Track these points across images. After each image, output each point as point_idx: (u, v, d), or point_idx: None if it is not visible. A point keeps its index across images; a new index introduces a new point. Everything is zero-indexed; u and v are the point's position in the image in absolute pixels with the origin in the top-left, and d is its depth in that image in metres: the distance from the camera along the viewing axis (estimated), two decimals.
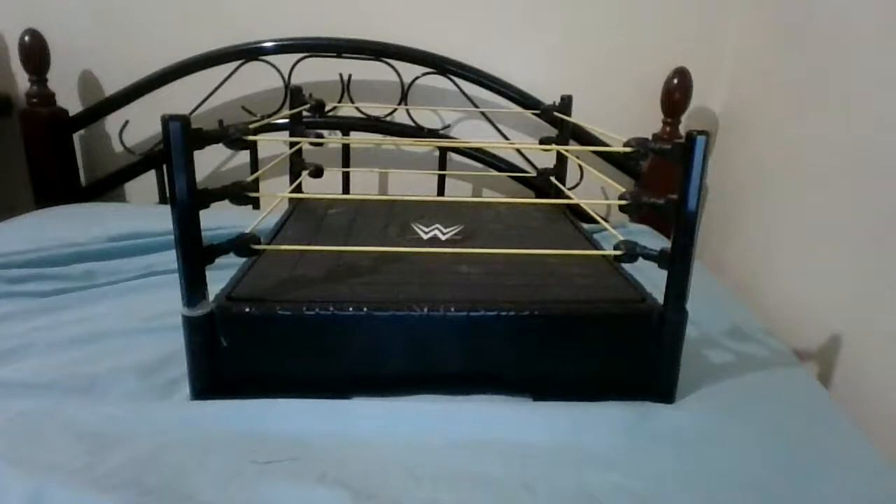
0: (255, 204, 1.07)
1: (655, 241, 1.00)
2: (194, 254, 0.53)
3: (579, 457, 0.53)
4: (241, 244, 0.57)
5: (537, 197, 1.19)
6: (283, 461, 0.50)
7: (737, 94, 1.18)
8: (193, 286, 0.54)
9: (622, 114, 1.19)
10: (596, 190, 1.25)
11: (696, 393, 0.62)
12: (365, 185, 1.27)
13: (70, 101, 1.22)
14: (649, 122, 1.17)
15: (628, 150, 0.59)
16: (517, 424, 0.57)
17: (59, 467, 0.48)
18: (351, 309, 0.57)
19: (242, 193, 0.56)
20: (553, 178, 1.02)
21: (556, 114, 1.01)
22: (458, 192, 1.29)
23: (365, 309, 0.57)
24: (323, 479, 0.48)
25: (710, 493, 0.50)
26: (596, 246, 0.79)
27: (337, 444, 0.53)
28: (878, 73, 0.80)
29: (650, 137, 1.15)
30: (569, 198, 0.87)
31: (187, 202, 0.51)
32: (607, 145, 1.14)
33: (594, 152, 1.15)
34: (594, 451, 0.54)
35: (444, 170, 1.22)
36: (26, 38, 1.13)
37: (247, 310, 0.57)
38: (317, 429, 0.54)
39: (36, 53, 1.15)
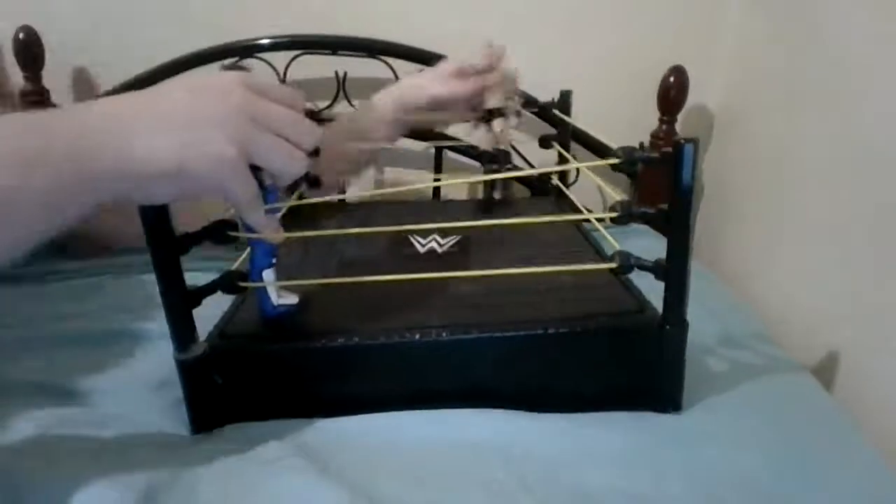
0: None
1: (655, 241, 0.98)
2: (180, 300, 0.53)
3: (579, 458, 0.53)
4: (228, 282, 0.56)
5: (534, 197, 1.17)
6: (284, 461, 0.50)
7: (734, 92, 1.15)
8: (182, 331, 0.54)
9: (619, 111, 1.16)
10: (592, 189, 1.23)
11: (698, 398, 0.61)
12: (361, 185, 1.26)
13: (65, 99, 1.20)
14: (646, 120, 1.14)
15: (615, 161, 0.57)
16: (518, 426, 0.57)
17: (60, 467, 0.48)
18: (341, 340, 0.57)
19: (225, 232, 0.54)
20: (554, 179, 1.00)
21: (554, 112, 0.99)
22: (454, 191, 1.27)
23: (356, 339, 0.57)
24: (324, 479, 0.48)
25: (710, 496, 0.50)
26: (598, 250, 0.78)
27: (338, 445, 0.53)
28: (877, 70, 0.77)
29: (648, 135, 1.14)
30: (570, 199, 0.87)
31: (166, 249, 0.51)
32: (604, 144, 1.11)
33: (591, 151, 1.13)
34: (594, 453, 0.54)
35: (441, 169, 1.21)
36: (20, 35, 1.11)
37: (239, 348, 0.57)
38: (317, 430, 0.55)
39: (30, 50, 1.12)
